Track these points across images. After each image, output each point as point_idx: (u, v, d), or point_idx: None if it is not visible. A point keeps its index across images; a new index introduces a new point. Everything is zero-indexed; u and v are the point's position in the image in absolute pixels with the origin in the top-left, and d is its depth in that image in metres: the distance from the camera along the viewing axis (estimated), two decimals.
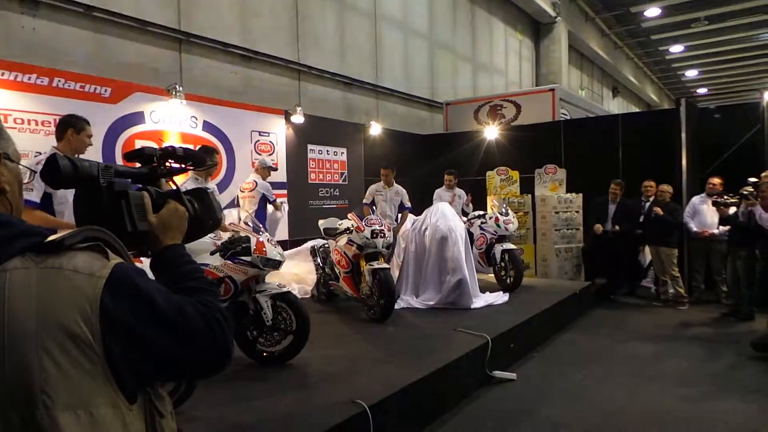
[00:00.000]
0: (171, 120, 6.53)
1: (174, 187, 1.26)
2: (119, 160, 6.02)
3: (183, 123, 6.68)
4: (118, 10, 6.41)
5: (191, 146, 1.41)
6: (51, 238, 0.88)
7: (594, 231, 7.68)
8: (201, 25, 7.46)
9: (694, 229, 7.11)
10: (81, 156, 3.60)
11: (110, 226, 1.00)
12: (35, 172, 3.01)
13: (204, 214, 1.29)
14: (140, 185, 1.23)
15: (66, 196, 3.42)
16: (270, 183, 6.22)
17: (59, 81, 5.48)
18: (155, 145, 1.39)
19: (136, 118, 6.21)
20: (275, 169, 6.33)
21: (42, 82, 5.35)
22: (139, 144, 6.22)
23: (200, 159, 1.40)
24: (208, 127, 6.97)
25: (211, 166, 4.79)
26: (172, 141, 6.53)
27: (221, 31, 7.75)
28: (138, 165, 1.28)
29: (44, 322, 0.81)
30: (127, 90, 6.15)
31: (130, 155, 1.29)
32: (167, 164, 1.29)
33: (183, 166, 1.33)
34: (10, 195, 0.98)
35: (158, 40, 6.99)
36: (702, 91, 32.14)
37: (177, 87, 6.43)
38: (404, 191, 7.49)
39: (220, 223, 1.35)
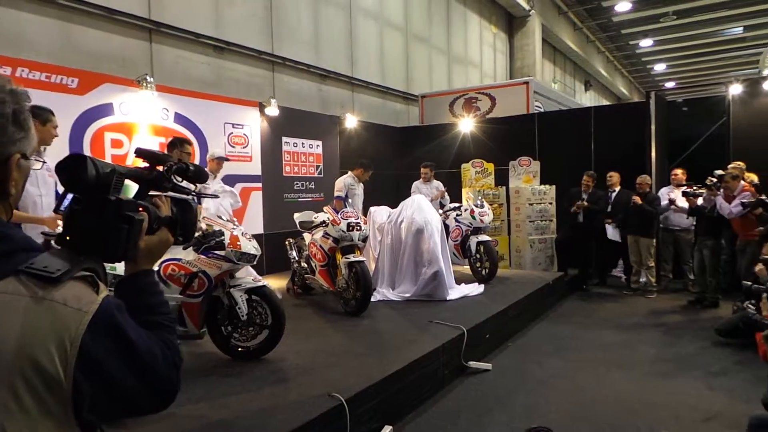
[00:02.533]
0: (141, 112, 6.38)
1: (171, 215, 1.21)
2: (88, 153, 5.86)
3: (154, 115, 6.54)
4: None
5: (199, 166, 1.41)
6: (46, 262, 0.86)
7: (576, 208, 7.79)
8: (172, 15, 7.30)
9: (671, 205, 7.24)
10: (43, 149, 3.50)
11: (102, 243, 0.98)
12: (45, 162, 2.98)
13: (180, 228, 1.25)
14: (138, 192, 1.19)
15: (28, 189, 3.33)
16: (245, 176, 6.12)
17: (23, 71, 5.29)
18: (172, 157, 1.34)
19: (105, 109, 6.05)
20: (227, 160, 6.06)
21: (4, 71, 5.16)
22: (108, 137, 6.07)
23: (204, 177, 1.40)
24: (179, 119, 6.84)
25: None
26: (145, 133, 6.40)
27: (193, 20, 7.59)
28: (145, 164, 1.25)
29: (19, 355, 0.80)
30: (96, 81, 5.98)
31: (144, 153, 1.26)
32: (174, 177, 1.27)
33: (184, 183, 1.31)
34: (15, 197, 0.96)
35: (127, 29, 6.81)
36: (670, 84, 32.84)
37: (147, 78, 6.28)
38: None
39: (190, 240, 1.34)
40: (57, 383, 0.82)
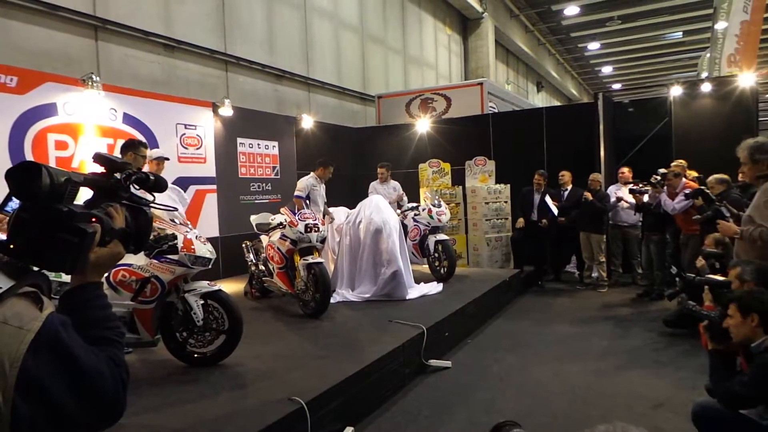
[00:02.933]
0: (87, 112, 6.12)
1: (124, 226, 1.15)
2: (29, 156, 5.59)
3: (101, 115, 6.29)
4: None
5: (160, 176, 1.36)
6: None
7: (517, 224, 8.03)
8: (118, 12, 7.03)
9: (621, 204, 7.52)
10: None
11: (49, 255, 0.94)
12: None
13: (133, 239, 1.19)
14: (92, 199, 1.14)
15: None
16: (199, 177, 5.93)
17: None
18: (129, 162, 1.30)
19: (48, 109, 5.77)
20: (167, 159, 5.76)
21: None
22: (51, 138, 5.79)
23: (164, 187, 1.36)
24: (128, 119, 6.60)
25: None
26: (91, 134, 6.14)
27: (141, 18, 7.35)
28: (101, 169, 1.19)
29: None
30: (37, 79, 5.70)
31: (102, 159, 1.20)
32: (132, 187, 1.22)
33: (141, 193, 1.26)
34: None
35: (71, 26, 6.52)
36: (617, 86, 34.20)
37: (93, 77, 6.04)
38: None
39: (142, 250, 1.29)
40: None
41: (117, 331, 1.07)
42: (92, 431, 0.96)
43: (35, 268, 0.92)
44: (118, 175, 1.21)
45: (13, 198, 0.99)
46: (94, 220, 1.05)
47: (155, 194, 1.39)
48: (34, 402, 0.81)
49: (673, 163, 6.96)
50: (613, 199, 7.59)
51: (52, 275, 1.03)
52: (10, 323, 0.80)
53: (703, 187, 5.36)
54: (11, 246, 0.93)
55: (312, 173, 6.99)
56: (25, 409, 0.80)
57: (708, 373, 2.62)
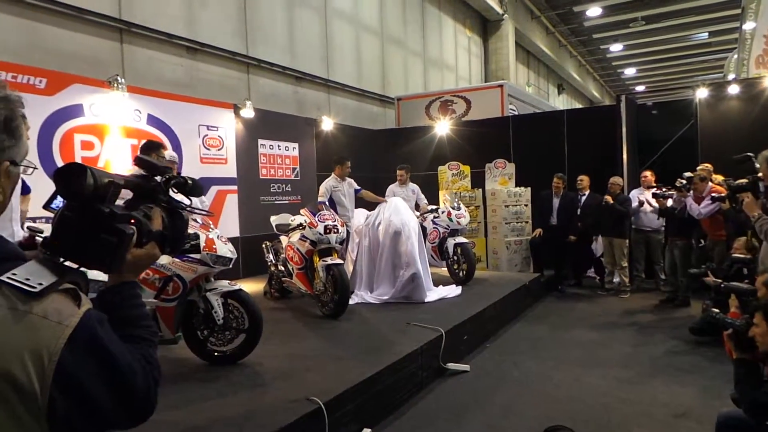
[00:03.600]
0: (113, 113, 6.25)
1: (161, 229, 1.18)
2: (57, 156, 5.72)
3: (126, 116, 6.41)
4: None
5: (197, 180, 1.39)
6: (28, 273, 0.84)
7: (534, 234, 7.98)
8: (143, 15, 7.16)
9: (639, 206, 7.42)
10: None
11: (88, 254, 0.96)
12: (36, 168, 2.85)
13: (169, 241, 1.21)
14: (132, 201, 1.17)
15: None
16: (221, 178, 5.98)
17: None
18: (168, 167, 1.33)
19: (75, 110, 5.90)
20: (175, 162, 5.83)
21: None
22: (78, 139, 5.92)
23: (201, 191, 1.39)
24: (152, 120, 6.71)
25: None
26: (116, 135, 6.26)
27: (165, 21, 7.47)
28: (142, 171, 1.22)
29: None
30: (65, 81, 5.83)
31: (144, 163, 1.24)
32: (171, 190, 1.25)
33: (179, 197, 1.29)
34: (2, 203, 0.94)
35: (97, 29, 6.66)
36: (640, 88, 33.70)
37: (119, 79, 6.16)
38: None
39: (178, 252, 1.32)
40: (32, 398, 0.79)
41: (150, 330, 1.09)
42: (123, 428, 0.98)
43: (75, 266, 0.94)
44: (158, 178, 1.24)
45: (59, 196, 1.03)
46: (133, 221, 1.08)
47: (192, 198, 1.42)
48: (70, 396, 0.83)
49: (698, 167, 6.83)
50: (635, 204, 7.47)
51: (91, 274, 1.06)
52: (50, 318, 0.82)
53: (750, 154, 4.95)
54: (55, 243, 0.96)
55: (332, 174, 7.00)
56: (61, 402, 0.82)
57: (733, 382, 2.56)
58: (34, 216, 4.32)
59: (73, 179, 0.97)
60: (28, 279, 0.83)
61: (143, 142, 5.11)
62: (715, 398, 3.90)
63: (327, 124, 9.61)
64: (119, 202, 1.13)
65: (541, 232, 8.03)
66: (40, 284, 0.83)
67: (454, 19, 16.49)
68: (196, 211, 1.39)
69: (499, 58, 18.31)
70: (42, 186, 4.70)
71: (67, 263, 0.94)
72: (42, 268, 0.87)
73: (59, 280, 0.86)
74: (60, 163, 5.78)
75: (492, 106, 10.88)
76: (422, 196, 8.15)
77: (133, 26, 7.01)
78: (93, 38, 6.62)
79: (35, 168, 1.07)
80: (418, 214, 7.32)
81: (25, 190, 4.27)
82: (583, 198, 7.93)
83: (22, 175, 1.02)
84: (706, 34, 22.97)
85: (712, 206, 5.89)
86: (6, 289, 0.82)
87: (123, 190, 1.11)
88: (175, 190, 1.31)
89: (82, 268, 0.96)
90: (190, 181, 1.33)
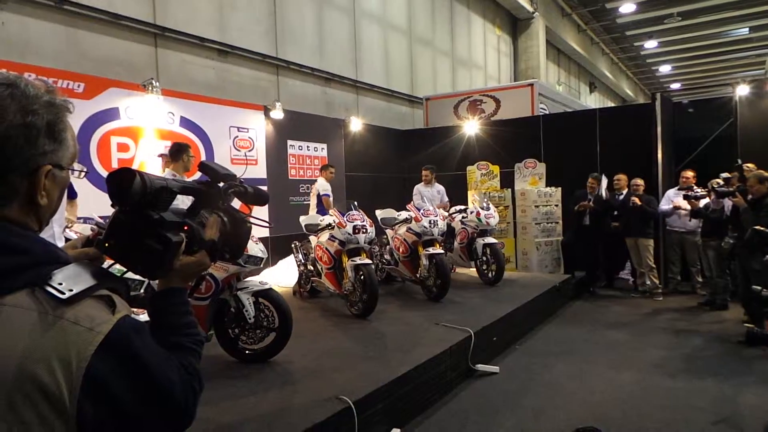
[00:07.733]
0: (147, 116, 6.41)
1: (215, 238, 1.17)
2: (94, 158, 5.90)
3: (160, 119, 6.56)
4: (89, 3, 6.26)
5: (262, 190, 1.39)
6: (64, 278, 0.83)
7: (582, 207, 7.78)
8: (176, 20, 7.33)
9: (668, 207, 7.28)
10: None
11: (135, 259, 0.97)
12: (87, 172, 2.95)
13: (229, 246, 1.21)
14: (192, 205, 1.17)
15: None
16: (251, 179, 6.10)
17: (29, 76, 5.30)
18: (231, 172, 1.29)
19: (111, 114, 6.08)
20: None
21: None
22: (114, 141, 6.09)
23: (265, 200, 1.38)
24: (185, 122, 6.86)
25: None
26: (151, 137, 6.42)
27: (197, 25, 7.63)
28: (204, 176, 1.23)
29: (21, 372, 0.76)
30: (102, 85, 6.01)
31: (207, 168, 1.24)
32: (230, 196, 1.25)
33: (240, 203, 1.29)
34: (45, 207, 0.93)
35: (133, 34, 6.84)
36: (676, 86, 32.79)
37: (153, 82, 6.31)
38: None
39: (237, 258, 1.32)
40: (60, 404, 0.77)
41: (195, 338, 1.07)
42: None
43: (117, 273, 0.95)
44: (220, 185, 1.23)
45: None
46: (186, 228, 1.08)
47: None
48: (99, 403, 0.81)
49: (746, 165, 6.60)
50: (669, 206, 7.27)
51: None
52: (81, 324, 0.80)
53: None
54: (107, 244, 0.97)
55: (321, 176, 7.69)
56: (90, 409, 0.80)
57: None
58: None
59: (123, 183, 0.97)
60: (61, 284, 0.82)
61: (171, 144, 5.22)
62: (756, 407, 3.77)
63: (356, 125, 9.64)
64: (184, 205, 1.14)
65: (588, 205, 7.79)
66: (71, 290, 0.82)
67: (483, 18, 16.35)
68: (257, 220, 1.38)
69: (529, 56, 18.07)
70: (83, 190, 4.86)
71: (110, 268, 0.95)
72: (81, 273, 0.86)
73: (95, 285, 0.85)
74: (97, 166, 5.96)
75: (522, 106, 10.74)
76: (446, 198, 8.14)
77: (167, 31, 7.18)
78: (129, 43, 6.80)
79: (87, 171, 1.08)
80: (446, 214, 7.28)
81: (72, 195, 4.38)
82: (621, 197, 7.74)
83: (72, 179, 1.03)
84: (747, 29, 22.16)
85: None
86: (39, 293, 0.80)
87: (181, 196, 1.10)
88: (237, 197, 1.29)
89: (127, 274, 0.97)
90: (250, 190, 1.31)
